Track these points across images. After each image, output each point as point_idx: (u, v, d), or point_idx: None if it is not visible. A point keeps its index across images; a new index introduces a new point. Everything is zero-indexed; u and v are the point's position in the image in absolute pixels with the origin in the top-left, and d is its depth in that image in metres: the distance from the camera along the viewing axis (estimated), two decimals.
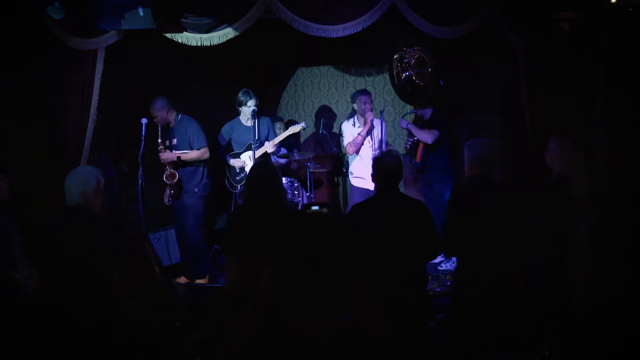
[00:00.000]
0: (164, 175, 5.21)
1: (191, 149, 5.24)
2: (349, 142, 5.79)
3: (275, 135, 5.61)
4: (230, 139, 5.64)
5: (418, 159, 5.78)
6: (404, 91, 5.87)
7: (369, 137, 5.74)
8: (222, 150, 5.65)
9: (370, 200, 3.45)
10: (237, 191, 5.59)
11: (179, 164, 5.26)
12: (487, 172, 3.35)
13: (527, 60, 4.74)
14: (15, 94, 4.76)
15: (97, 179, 3.38)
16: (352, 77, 6.97)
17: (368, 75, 6.88)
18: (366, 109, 5.65)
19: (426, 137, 5.57)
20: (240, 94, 5.45)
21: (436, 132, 5.55)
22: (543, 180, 3.95)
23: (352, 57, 6.72)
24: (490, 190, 3.34)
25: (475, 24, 4.54)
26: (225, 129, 5.64)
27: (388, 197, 3.35)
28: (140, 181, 5.06)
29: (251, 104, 5.39)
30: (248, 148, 5.54)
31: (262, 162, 4.53)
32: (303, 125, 5.60)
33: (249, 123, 5.49)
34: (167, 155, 5.19)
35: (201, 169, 5.32)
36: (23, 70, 4.70)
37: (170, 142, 5.30)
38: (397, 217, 3.26)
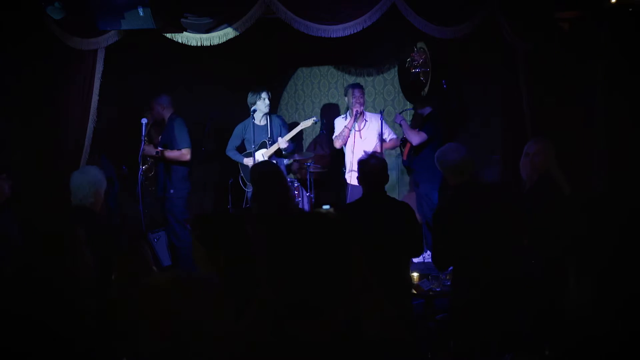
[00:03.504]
0: (142, 168, 5.25)
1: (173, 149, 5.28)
2: (336, 136, 5.82)
3: (288, 133, 5.62)
4: (243, 139, 5.63)
5: (404, 157, 5.86)
6: (407, 86, 5.94)
7: (360, 132, 5.69)
8: (234, 150, 5.67)
9: (358, 201, 3.49)
10: (249, 190, 5.59)
11: (159, 160, 5.35)
12: (467, 178, 3.26)
13: (527, 60, 4.74)
14: (15, 94, 4.76)
15: (105, 180, 3.48)
16: (352, 77, 6.96)
17: (368, 75, 6.87)
18: (355, 102, 5.64)
19: (412, 137, 5.58)
20: (250, 94, 5.46)
21: (424, 135, 5.53)
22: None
23: (352, 57, 6.72)
24: (476, 196, 3.25)
25: (475, 24, 4.53)
26: (238, 129, 5.64)
27: (375, 198, 3.39)
28: (140, 181, 5.07)
29: (265, 96, 5.40)
30: (261, 146, 5.55)
31: (262, 162, 4.53)
32: (314, 119, 5.62)
33: (262, 122, 5.51)
34: (147, 149, 5.21)
35: (180, 170, 5.32)
36: (23, 70, 4.70)
37: (157, 138, 5.43)
38: (384, 217, 3.29)
